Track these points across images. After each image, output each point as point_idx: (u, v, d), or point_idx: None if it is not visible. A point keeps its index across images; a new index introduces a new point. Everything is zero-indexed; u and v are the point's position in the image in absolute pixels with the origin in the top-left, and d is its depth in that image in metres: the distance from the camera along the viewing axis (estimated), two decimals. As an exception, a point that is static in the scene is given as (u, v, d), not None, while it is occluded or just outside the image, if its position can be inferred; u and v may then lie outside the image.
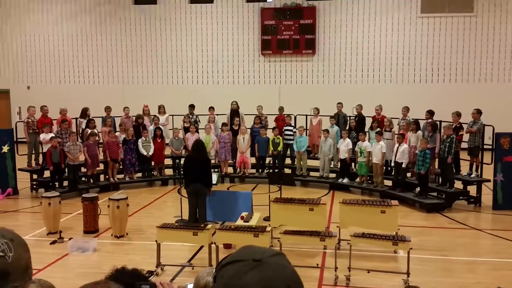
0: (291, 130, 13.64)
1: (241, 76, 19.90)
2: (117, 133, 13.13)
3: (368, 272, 7.03)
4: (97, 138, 12.79)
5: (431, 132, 11.52)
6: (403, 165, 11.22)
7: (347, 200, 8.46)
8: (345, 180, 12.62)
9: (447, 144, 10.74)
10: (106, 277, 1.98)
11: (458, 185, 11.25)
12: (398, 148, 11.28)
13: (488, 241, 9.01)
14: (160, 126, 13.74)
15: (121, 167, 13.11)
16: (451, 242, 8.75)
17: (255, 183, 13.24)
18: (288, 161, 13.96)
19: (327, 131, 12.89)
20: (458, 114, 11.65)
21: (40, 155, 12.85)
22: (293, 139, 13.44)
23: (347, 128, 13.29)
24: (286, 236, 7.29)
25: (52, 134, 12.35)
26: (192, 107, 14.63)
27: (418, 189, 11.25)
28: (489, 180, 11.15)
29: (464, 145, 11.72)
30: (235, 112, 14.33)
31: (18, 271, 1.46)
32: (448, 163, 10.82)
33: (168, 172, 13.81)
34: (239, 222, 8.38)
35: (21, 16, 21.02)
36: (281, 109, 14.53)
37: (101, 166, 13.03)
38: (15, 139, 12.68)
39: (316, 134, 13.68)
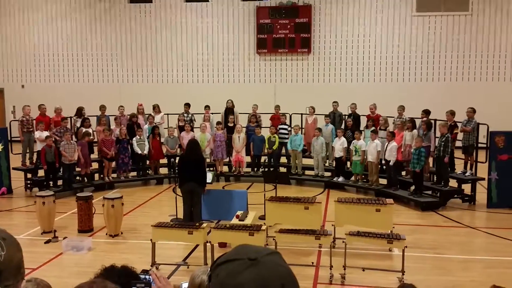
0: (285, 129, 13.65)
1: (237, 75, 19.88)
2: (112, 127, 13.12)
3: (363, 270, 7.04)
4: (91, 137, 12.73)
5: (425, 131, 11.56)
6: (391, 163, 11.27)
7: (342, 199, 8.47)
8: (340, 179, 12.63)
9: (442, 143, 10.77)
10: (95, 276, 1.96)
11: (453, 183, 11.28)
12: (387, 146, 11.33)
13: (483, 239, 9.05)
14: (158, 125, 13.72)
15: (114, 166, 13.07)
16: (446, 240, 8.78)
17: (250, 182, 13.24)
18: (283, 159, 13.96)
19: (319, 129, 12.91)
20: (452, 113, 11.70)
21: (35, 154, 12.80)
22: (287, 138, 13.45)
23: (343, 126, 13.32)
24: (281, 234, 7.29)
25: (47, 133, 12.30)
26: (187, 105, 14.62)
27: (413, 187, 11.28)
28: (483, 179, 11.21)
29: (458, 143, 11.76)
30: (230, 110, 14.32)
31: (11, 270, 1.45)
32: (444, 163, 10.85)
33: (163, 171, 13.78)
34: (234, 221, 8.38)
35: (16, 14, 20.93)
36: (277, 107, 14.53)
37: (94, 165, 12.99)
38: (9, 138, 12.62)
39: (311, 133, 13.67)
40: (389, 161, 11.30)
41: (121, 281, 1.95)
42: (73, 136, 13.12)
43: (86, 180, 12.56)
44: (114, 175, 13.10)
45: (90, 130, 12.88)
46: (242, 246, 1.27)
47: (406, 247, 6.81)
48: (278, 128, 13.61)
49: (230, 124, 13.85)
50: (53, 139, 12.03)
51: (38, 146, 12.30)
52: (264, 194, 9.44)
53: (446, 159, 10.78)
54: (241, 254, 1.22)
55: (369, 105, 13.51)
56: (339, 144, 12.39)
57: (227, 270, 1.19)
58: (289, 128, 13.79)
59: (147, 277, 2.26)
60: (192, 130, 13.73)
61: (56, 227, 9.10)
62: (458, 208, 10.90)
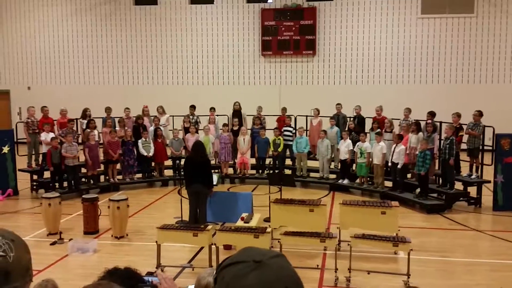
0: (290, 131, 13.65)
1: (242, 77, 19.90)
2: (116, 129, 13.17)
3: (368, 273, 7.03)
4: (96, 139, 12.75)
5: (430, 133, 11.52)
6: (399, 166, 11.23)
7: (347, 201, 8.45)
8: (345, 181, 12.61)
9: (447, 145, 10.73)
10: (98, 279, 1.96)
11: (458, 186, 11.24)
12: (395, 148, 11.29)
13: (488, 242, 9.01)
14: (160, 127, 13.74)
15: (119, 168, 13.10)
16: (451, 243, 8.75)
17: (255, 184, 13.24)
18: (288, 162, 13.95)
19: (324, 131, 12.89)
20: (458, 115, 11.65)
21: (40, 156, 12.84)
22: (292, 140, 13.44)
23: (347, 129, 13.30)
24: (286, 237, 7.29)
25: (52, 134, 12.35)
26: (193, 107, 14.65)
27: (418, 190, 11.25)
28: (489, 181, 11.15)
29: (464, 146, 11.72)
30: (237, 113, 14.34)
31: (19, 271, 1.46)
32: (449, 165, 10.80)
33: (168, 173, 13.81)
34: (239, 223, 8.38)
35: (21, 17, 21.04)
36: (283, 109, 14.51)
37: (102, 167, 13.03)
38: (15, 140, 12.68)
39: (316, 135, 13.66)
40: (397, 163, 11.26)
41: (124, 284, 1.95)
42: (79, 138, 13.18)
43: (92, 182, 12.60)
44: (120, 177, 13.14)
45: (95, 132, 12.90)
46: (247, 249, 1.28)
47: (411, 250, 6.79)
48: (282, 130, 13.61)
49: (235, 128, 13.86)
50: (59, 141, 12.07)
51: (44, 148, 12.35)
52: (269, 196, 9.44)
53: (451, 161, 10.74)
54: (246, 256, 1.22)
55: (375, 107, 13.47)
56: (344, 146, 12.37)
57: (232, 273, 1.19)
58: (294, 131, 13.78)
59: (152, 279, 2.26)
60: (197, 132, 13.75)
61: (62, 228, 9.13)
62: (463, 211, 10.86)
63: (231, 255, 1.26)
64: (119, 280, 1.95)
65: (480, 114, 11.42)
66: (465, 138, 11.57)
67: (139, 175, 13.51)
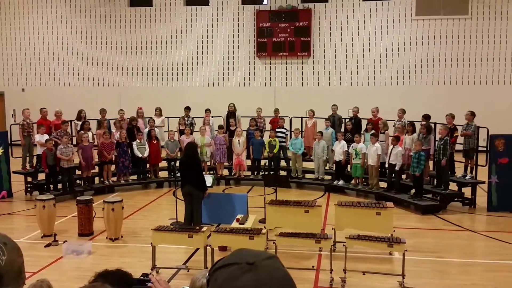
0: (283, 132, 13.65)
1: (237, 78, 19.90)
2: (112, 131, 13.11)
3: (364, 274, 7.03)
4: (91, 140, 12.71)
5: (425, 134, 11.56)
6: (396, 168, 11.25)
7: (343, 202, 8.46)
8: (340, 182, 12.63)
9: (441, 146, 10.77)
10: (89, 282, 1.95)
11: (453, 187, 11.27)
12: (392, 150, 11.31)
13: (483, 242, 9.04)
14: (154, 128, 13.70)
15: (113, 170, 13.06)
16: (446, 244, 8.78)
17: (250, 185, 13.24)
18: (283, 163, 13.96)
19: (320, 133, 12.91)
20: (452, 116, 11.69)
21: (35, 158, 12.79)
22: (285, 141, 13.45)
23: (343, 130, 13.32)
24: (281, 238, 7.28)
25: (47, 136, 12.30)
26: (188, 109, 14.63)
27: (413, 191, 11.27)
28: (483, 182, 11.20)
29: (459, 147, 11.76)
30: (231, 114, 14.34)
31: (11, 274, 1.45)
32: (442, 166, 10.84)
33: (163, 174, 13.78)
34: (235, 224, 8.37)
35: (16, 18, 20.96)
36: (276, 111, 14.54)
37: (96, 169, 13.00)
38: (9, 142, 12.62)
39: (311, 136, 13.69)
40: (394, 165, 11.27)
41: (117, 286, 1.95)
42: (73, 139, 13.13)
43: (86, 184, 12.56)
44: (114, 179, 13.10)
45: (90, 133, 12.86)
46: (240, 250, 1.27)
47: (406, 250, 6.80)
48: (276, 131, 13.60)
49: (232, 128, 13.87)
50: (53, 143, 12.02)
51: (39, 150, 12.30)
52: (264, 198, 9.44)
53: (443, 162, 10.76)
54: (239, 258, 1.22)
55: (371, 108, 13.50)
56: (339, 147, 12.39)
57: (225, 275, 1.19)
58: (287, 132, 13.79)
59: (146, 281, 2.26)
60: (192, 133, 13.73)
61: (56, 230, 9.09)
62: (458, 211, 10.89)
63: (224, 257, 1.26)
64: (110, 282, 1.95)
65: (472, 114, 11.48)
66: (460, 139, 11.62)
67: (134, 177, 13.48)
